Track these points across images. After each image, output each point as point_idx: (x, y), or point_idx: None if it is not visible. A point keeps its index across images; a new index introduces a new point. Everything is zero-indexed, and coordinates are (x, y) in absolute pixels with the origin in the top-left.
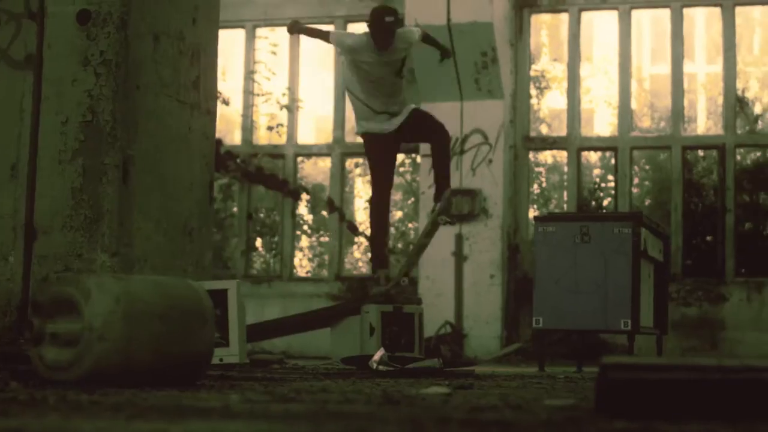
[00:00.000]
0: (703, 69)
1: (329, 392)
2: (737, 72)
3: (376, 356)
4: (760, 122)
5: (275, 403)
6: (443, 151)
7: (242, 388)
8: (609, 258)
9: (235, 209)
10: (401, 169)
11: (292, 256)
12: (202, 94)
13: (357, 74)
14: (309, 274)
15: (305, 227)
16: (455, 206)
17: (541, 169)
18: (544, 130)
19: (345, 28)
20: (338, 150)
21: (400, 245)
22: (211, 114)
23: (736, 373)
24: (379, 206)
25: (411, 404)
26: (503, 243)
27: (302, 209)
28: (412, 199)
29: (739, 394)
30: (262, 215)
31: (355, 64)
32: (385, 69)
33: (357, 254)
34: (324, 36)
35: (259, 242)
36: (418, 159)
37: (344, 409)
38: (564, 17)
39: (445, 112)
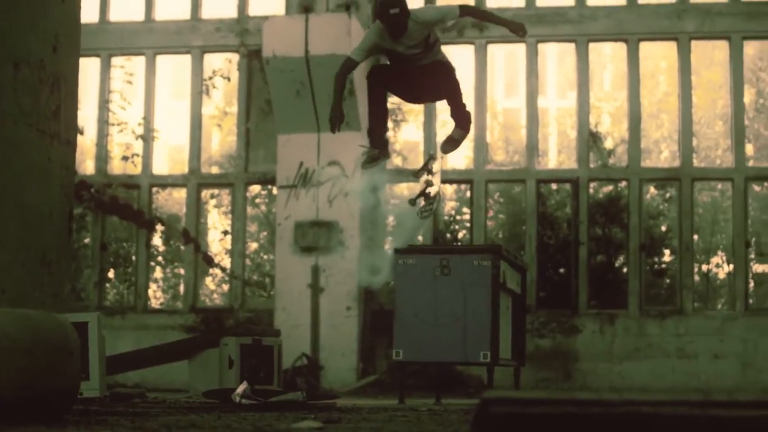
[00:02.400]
0: (555, 103)
1: (199, 427)
2: (590, 107)
3: (239, 389)
4: (612, 156)
5: None
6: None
7: (109, 423)
8: (469, 290)
9: (88, 240)
10: (257, 200)
11: (147, 287)
12: (63, 124)
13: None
14: (163, 306)
15: (159, 258)
16: (312, 239)
17: (396, 201)
18: (400, 162)
19: (202, 59)
20: (194, 181)
21: (255, 276)
22: (71, 144)
23: (617, 407)
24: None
25: None
26: (360, 275)
27: (157, 240)
28: (266, 231)
29: (619, 428)
30: (115, 246)
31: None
32: (406, 53)
33: (212, 286)
34: (348, 66)
35: (112, 273)
36: (275, 191)
37: None
38: None
39: (302, 143)
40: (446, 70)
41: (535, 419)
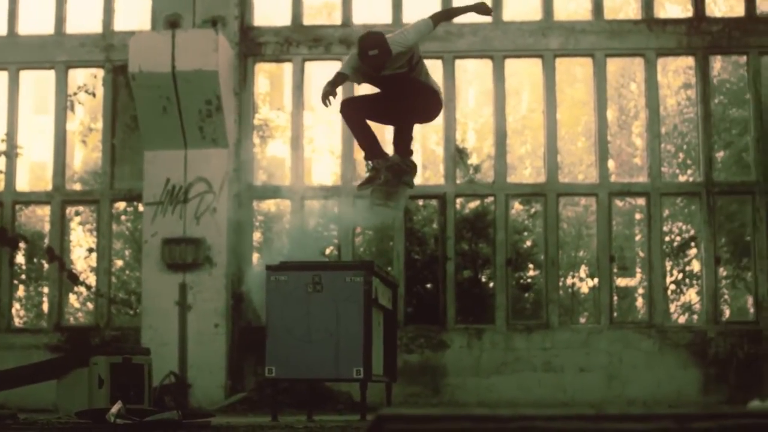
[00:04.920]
0: None
1: None
2: (456, 123)
3: (114, 409)
4: (478, 172)
5: None
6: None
7: None
8: (341, 307)
9: None
10: (123, 218)
11: (10, 306)
12: None
13: None
14: (27, 325)
15: (23, 276)
16: (179, 256)
17: (262, 217)
18: (267, 179)
19: (66, 74)
20: (58, 198)
21: (121, 294)
22: None
23: (511, 422)
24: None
25: None
26: (227, 292)
27: (20, 258)
28: (132, 248)
29: None
30: None
31: None
32: (392, 73)
33: (76, 304)
34: (337, 81)
35: None
36: (141, 207)
37: None
38: (288, 67)
39: (169, 160)
40: (436, 99)
41: None
